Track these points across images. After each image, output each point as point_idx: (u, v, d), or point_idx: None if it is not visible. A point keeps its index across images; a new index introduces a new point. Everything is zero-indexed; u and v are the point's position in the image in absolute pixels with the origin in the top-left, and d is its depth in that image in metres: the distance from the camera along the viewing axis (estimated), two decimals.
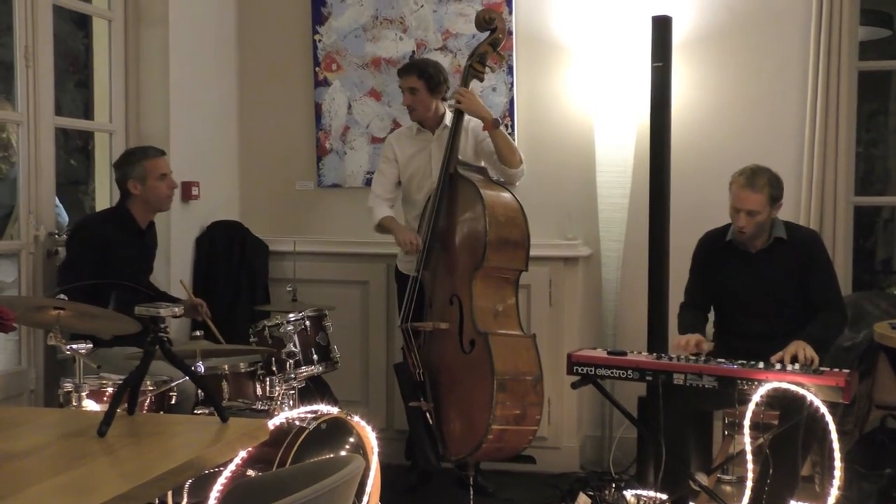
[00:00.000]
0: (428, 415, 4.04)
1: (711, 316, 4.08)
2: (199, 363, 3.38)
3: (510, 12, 4.88)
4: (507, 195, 4.12)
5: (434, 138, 4.35)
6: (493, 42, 4.24)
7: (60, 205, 4.37)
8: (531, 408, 3.92)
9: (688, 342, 3.73)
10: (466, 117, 4.22)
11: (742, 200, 3.76)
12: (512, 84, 4.93)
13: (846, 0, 4.47)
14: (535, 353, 4.00)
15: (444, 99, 4.37)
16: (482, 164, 4.33)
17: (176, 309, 2.35)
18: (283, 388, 3.54)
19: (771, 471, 3.43)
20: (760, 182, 3.76)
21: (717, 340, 4.05)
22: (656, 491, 3.62)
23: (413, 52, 5.04)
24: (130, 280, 3.80)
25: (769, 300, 3.85)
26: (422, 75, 4.28)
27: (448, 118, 4.32)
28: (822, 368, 3.43)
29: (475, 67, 4.23)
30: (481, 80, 4.36)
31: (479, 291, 3.98)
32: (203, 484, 2.98)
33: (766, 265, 3.85)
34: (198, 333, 3.57)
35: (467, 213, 4.07)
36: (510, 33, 4.79)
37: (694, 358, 3.60)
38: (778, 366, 3.47)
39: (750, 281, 3.87)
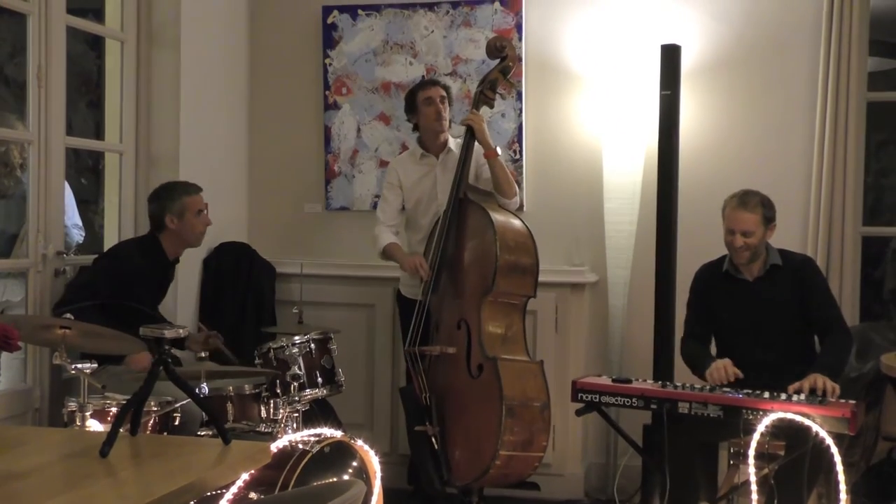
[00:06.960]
0: (434, 439, 4.03)
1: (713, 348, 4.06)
2: (204, 385, 3.38)
3: (520, 38, 4.89)
4: (517, 221, 4.13)
5: (438, 162, 4.37)
6: (504, 70, 4.25)
7: (80, 224, 4.38)
8: (538, 434, 3.92)
9: (725, 367, 3.69)
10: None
11: (737, 221, 3.78)
12: (521, 110, 4.94)
13: (855, 30, 4.48)
14: (543, 380, 3.99)
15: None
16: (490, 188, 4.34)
17: (181, 330, 2.36)
18: (288, 410, 3.53)
19: (776, 502, 3.41)
20: (753, 202, 3.79)
21: None
22: None
23: (423, 76, 5.06)
24: (146, 308, 3.80)
25: (770, 328, 3.83)
26: (446, 89, 4.37)
27: (452, 143, 4.34)
28: (828, 399, 3.41)
29: (486, 94, 4.25)
30: (491, 106, 4.38)
31: (488, 316, 3.98)
32: None
33: (764, 293, 3.85)
34: (203, 355, 3.57)
35: (477, 237, 4.07)
36: (520, 59, 4.80)
37: (699, 387, 3.59)
38: (784, 396, 3.45)
39: (750, 309, 3.86)
